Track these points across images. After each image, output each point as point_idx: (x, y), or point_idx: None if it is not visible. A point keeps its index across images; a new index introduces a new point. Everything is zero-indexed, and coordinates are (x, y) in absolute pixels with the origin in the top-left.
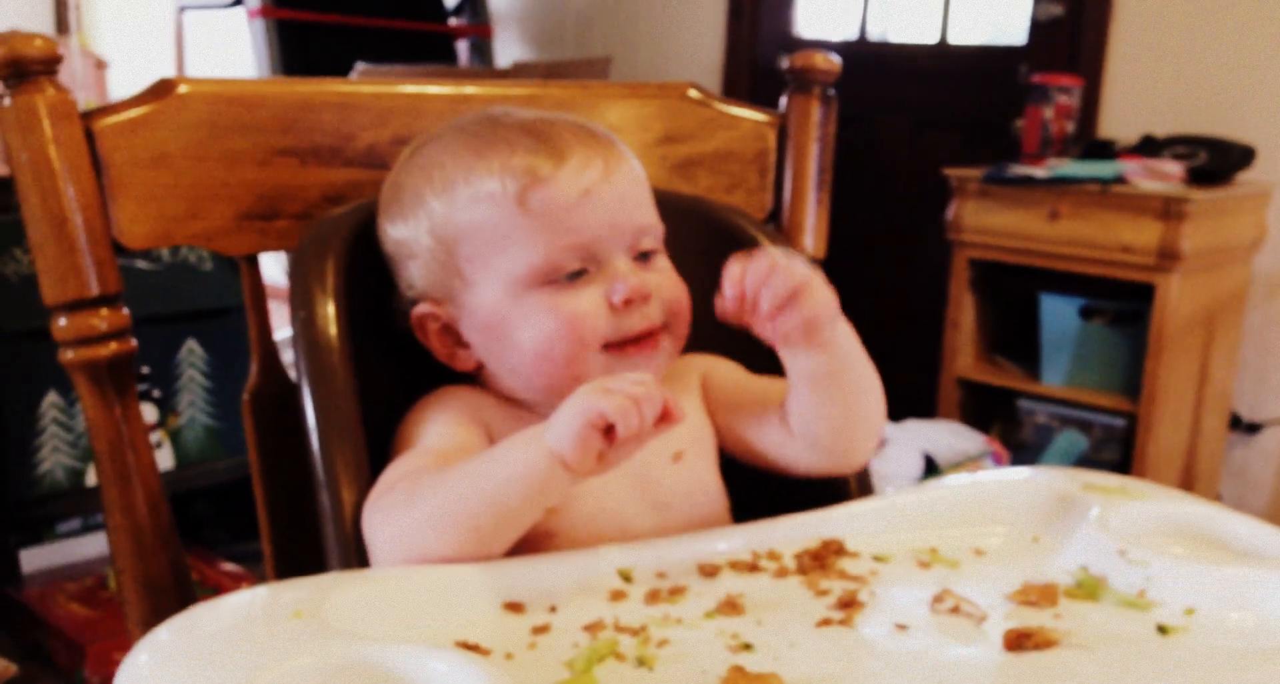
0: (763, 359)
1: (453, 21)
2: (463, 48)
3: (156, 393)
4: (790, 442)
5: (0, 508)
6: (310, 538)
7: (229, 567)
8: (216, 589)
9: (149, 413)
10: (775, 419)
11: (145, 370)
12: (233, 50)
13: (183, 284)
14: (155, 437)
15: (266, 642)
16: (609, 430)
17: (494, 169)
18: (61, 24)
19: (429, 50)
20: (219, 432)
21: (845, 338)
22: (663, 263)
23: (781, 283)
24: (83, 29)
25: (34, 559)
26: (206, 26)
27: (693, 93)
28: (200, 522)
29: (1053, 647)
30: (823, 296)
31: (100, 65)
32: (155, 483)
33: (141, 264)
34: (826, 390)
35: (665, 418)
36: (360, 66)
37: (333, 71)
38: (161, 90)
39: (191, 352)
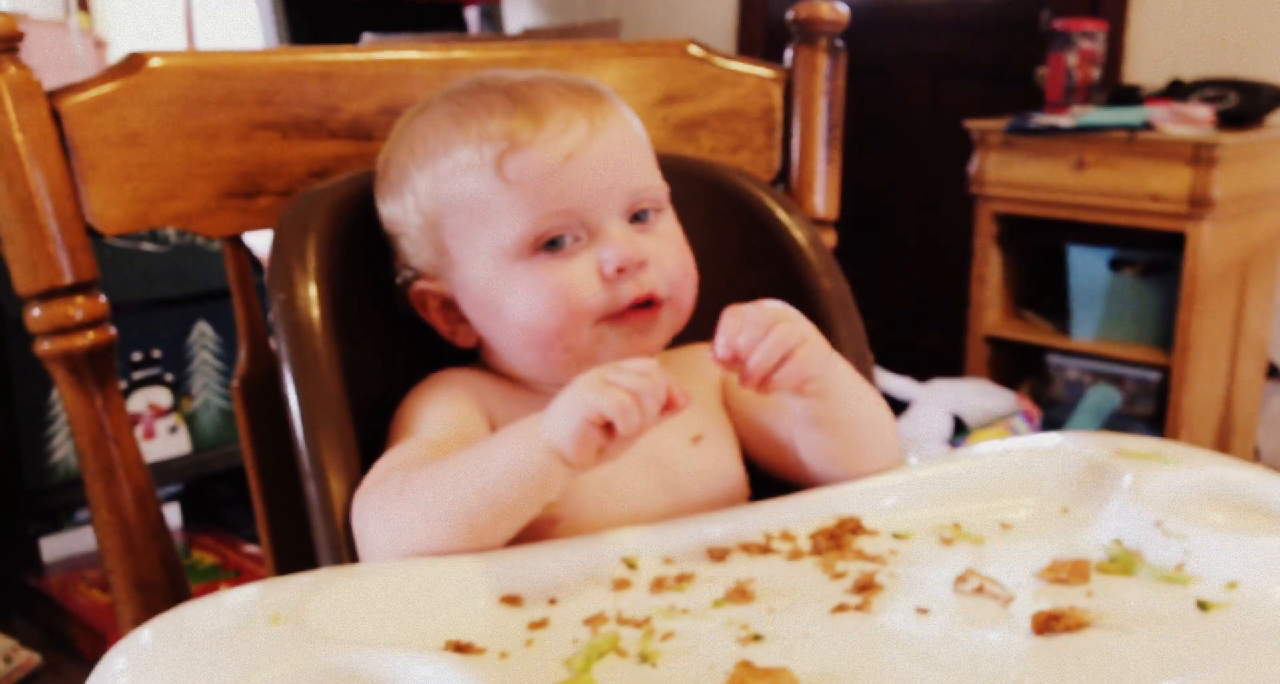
0: None
1: None
2: (472, 16)
3: (169, 377)
4: (799, 463)
5: (18, 497)
6: (308, 529)
7: (251, 549)
8: (238, 573)
9: (162, 397)
10: (785, 435)
11: (157, 354)
12: (242, 27)
13: (191, 265)
14: (170, 421)
15: (243, 650)
16: (609, 425)
17: (470, 137)
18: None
19: (438, 19)
20: (235, 413)
21: (841, 379)
22: (666, 227)
23: (774, 347)
24: (91, 7)
25: (54, 548)
26: (217, 3)
27: (693, 49)
28: (220, 504)
29: (1084, 628)
30: (815, 351)
31: (100, 44)
32: (143, 477)
33: (148, 246)
34: (826, 429)
35: (669, 405)
36: (367, 37)
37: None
38: (131, 65)
39: (203, 334)
